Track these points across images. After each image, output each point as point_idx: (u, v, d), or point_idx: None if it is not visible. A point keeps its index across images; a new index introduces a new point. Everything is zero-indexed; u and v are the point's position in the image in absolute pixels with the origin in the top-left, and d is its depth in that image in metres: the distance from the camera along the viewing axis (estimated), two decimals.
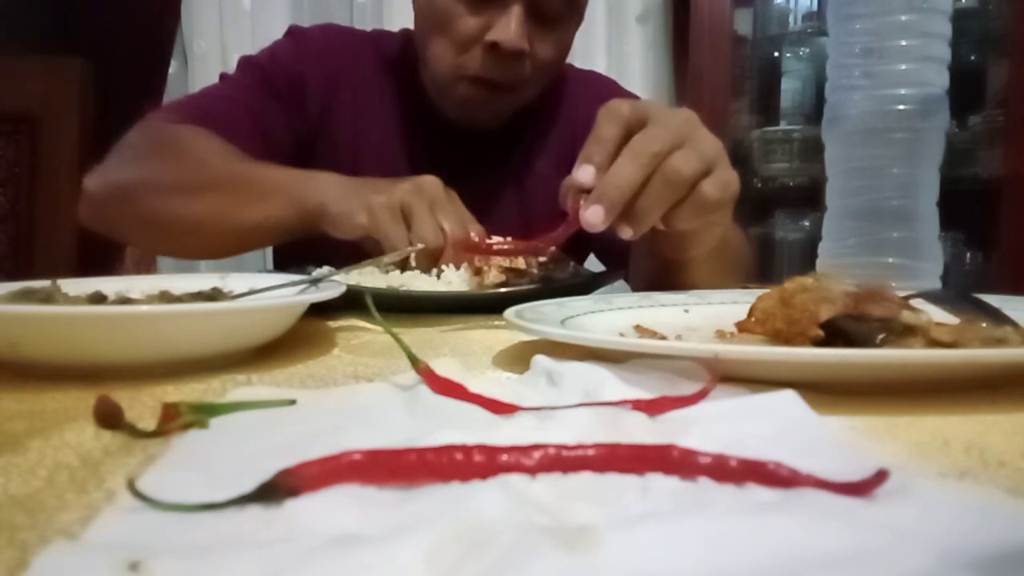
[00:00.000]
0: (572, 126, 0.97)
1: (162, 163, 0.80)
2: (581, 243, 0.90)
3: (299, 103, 0.92)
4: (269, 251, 1.08)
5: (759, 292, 0.45)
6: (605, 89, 1.03)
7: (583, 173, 0.53)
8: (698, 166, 0.53)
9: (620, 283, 0.84)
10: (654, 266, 0.73)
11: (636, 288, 0.82)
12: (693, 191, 0.54)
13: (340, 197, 0.71)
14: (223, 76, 0.95)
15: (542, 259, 0.69)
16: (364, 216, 0.68)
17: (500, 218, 0.93)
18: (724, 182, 0.55)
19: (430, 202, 0.69)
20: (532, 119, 0.97)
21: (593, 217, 0.51)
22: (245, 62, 0.95)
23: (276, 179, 0.75)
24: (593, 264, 1.00)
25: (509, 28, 0.78)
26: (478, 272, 0.67)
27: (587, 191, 0.52)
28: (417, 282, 0.67)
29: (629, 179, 0.51)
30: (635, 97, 1.03)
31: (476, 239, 0.67)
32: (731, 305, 0.51)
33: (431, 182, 0.71)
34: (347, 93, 0.94)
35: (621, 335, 0.42)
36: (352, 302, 0.53)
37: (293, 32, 0.98)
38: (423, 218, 0.67)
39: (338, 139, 0.94)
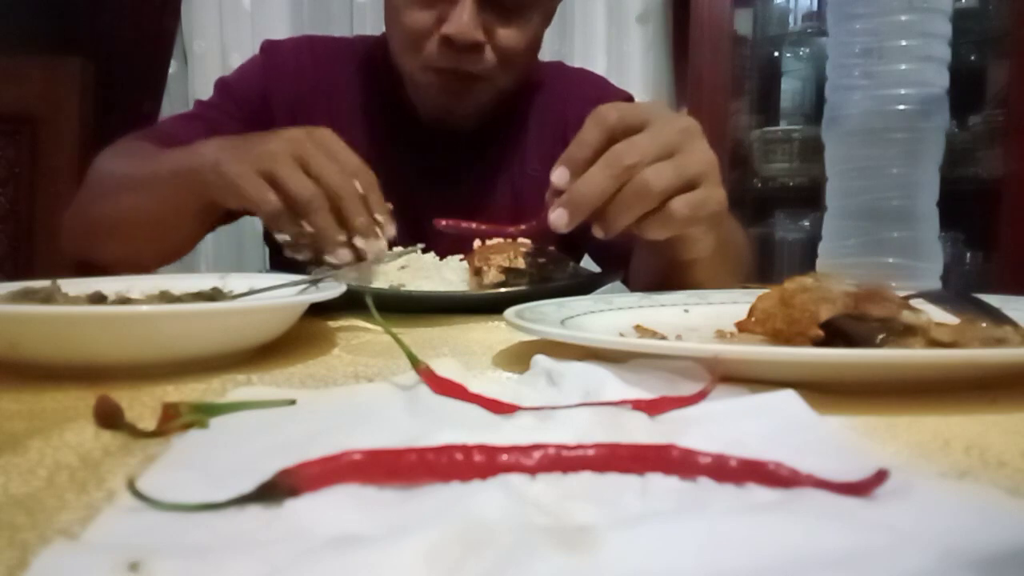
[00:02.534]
0: (563, 126, 0.97)
1: (100, 175, 0.84)
2: (575, 244, 0.90)
3: (263, 121, 0.91)
4: (267, 252, 1.08)
5: (759, 292, 0.45)
6: (595, 88, 1.03)
7: (557, 175, 0.54)
8: (673, 182, 0.53)
9: (618, 284, 0.84)
10: (655, 266, 0.73)
11: (635, 289, 0.82)
12: (663, 206, 0.53)
13: (212, 172, 0.66)
14: (197, 102, 0.97)
15: (542, 259, 0.69)
16: (230, 193, 0.64)
17: (490, 219, 0.93)
18: (700, 201, 0.54)
19: (297, 155, 0.63)
20: (519, 118, 0.97)
21: (557, 220, 0.53)
22: (217, 84, 0.97)
23: (173, 163, 0.72)
24: (590, 264, 0.99)
25: (461, 20, 0.78)
26: (478, 272, 0.67)
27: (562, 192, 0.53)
28: (417, 282, 0.67)
29: (597, 188, 0.52)
30: (627, 95, 1.02)
31: (363, 189, 0.63)
32: (731, 305, 0.51)
33: (291, 135, 0.65)
34: (323, 104, 0.94)
35: (621, 335, 0.42)
36: (352, 302, 0.53)
37: (265, 48, 0.99)
38: (289, 176, 0.62)
39: None
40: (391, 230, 0.65)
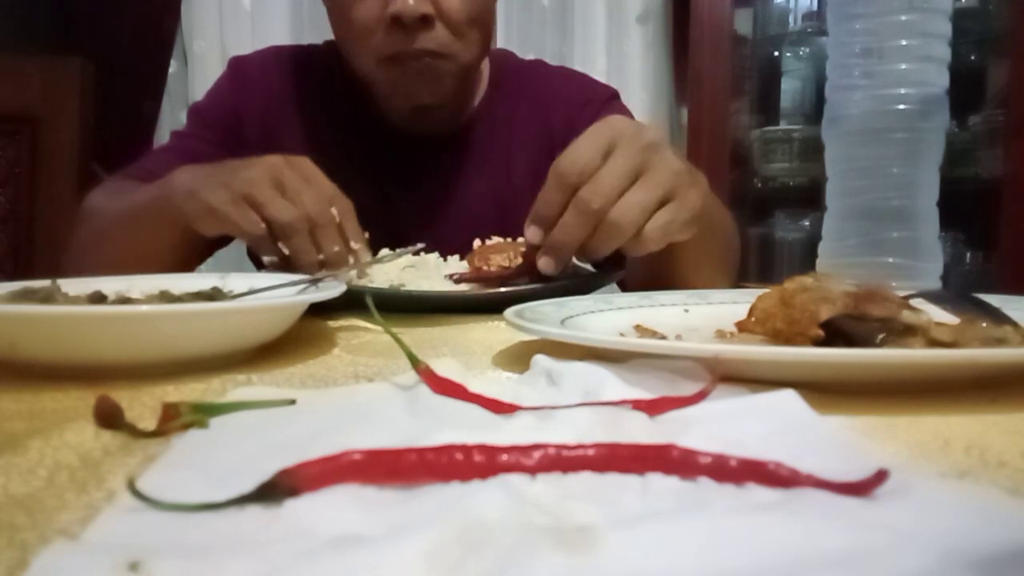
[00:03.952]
0: (548, 134, 0.94)
1: (89, 217, 0.85)
2: None
3: (237, 140, 0.91)
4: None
5: (759, 292, 0.45)
6: (580, 90, 1.00)
7: (531, 234, 0.61)
8: (641, 215, 0.57)
9: (614, 287, 0.83)
10: (643, 264, 0.74)
11: (631, 286, 0.81)
12: (640, 230, 0.57)
13: (188, 201, 0.66)
14: (173, 133, 0.97)
15: None
16: (210, 219, 0.65)
17: (473, 225, 0.92)
18: (671, 218, 0.58)
19: (275, 181, 0.64)
20: (502, 122, 0.95)
21: (545, 266, 0.61)
22: (190, 111, 0.97)
23: (146, 196, 0.74)
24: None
25: None
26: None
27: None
28: (417, 282, 0.67)
29: (572, 236, 0.58)
30: (611, 92, 1.00)
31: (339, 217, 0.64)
32: (731, 305, 0.51)
33: (270, 161, 0.66)
34: (294, 116, 0.94)
35: (621, 335, 0.42)
36: (352, 302, 0.53)
37: (232, 65, 0.98)
38: (269, 200, 0.63)
39: None
40: (366, 258, 0.66)
